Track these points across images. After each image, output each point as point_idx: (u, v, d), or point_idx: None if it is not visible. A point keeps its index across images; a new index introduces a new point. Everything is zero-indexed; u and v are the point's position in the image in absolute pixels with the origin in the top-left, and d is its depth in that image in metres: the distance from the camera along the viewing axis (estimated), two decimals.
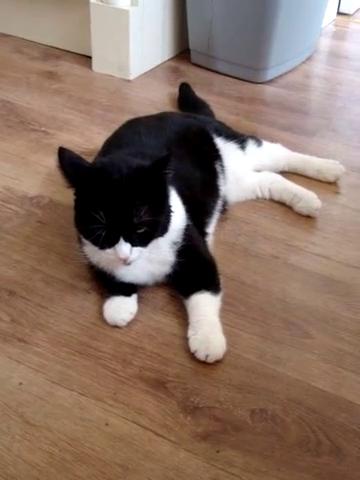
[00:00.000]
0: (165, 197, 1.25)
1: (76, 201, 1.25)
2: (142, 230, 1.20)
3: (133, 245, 1.20)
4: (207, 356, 1.22)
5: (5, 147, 1.91)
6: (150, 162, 1.21)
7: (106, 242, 1.20)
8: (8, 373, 1.20)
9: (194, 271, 1.35)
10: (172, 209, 1.27)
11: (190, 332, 1.26)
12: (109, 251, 1.21)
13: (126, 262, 1.21)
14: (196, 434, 1.10)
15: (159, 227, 1.23)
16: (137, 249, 1.21)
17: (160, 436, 1.10)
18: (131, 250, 1.20)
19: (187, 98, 2.13)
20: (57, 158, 1.19)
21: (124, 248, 1.19)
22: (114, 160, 1.26)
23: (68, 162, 1.19)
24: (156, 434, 1.10)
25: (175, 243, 1.32)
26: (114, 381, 1.19)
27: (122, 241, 1.19)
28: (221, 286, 1.35)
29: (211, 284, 1.34)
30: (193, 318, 1.28)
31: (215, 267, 1.38)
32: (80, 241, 1.34)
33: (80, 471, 1.04)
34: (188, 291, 1.32)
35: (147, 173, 1.20)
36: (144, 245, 1.23)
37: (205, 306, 1.30)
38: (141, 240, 1.21)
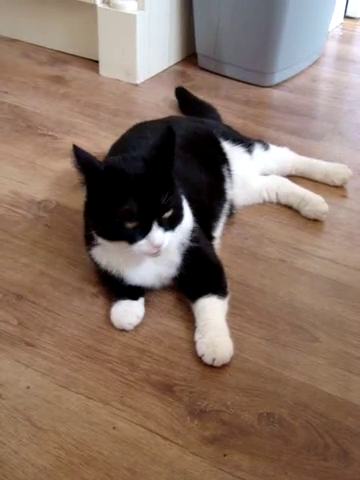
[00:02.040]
0: (173, 176, 1.25)
1: (92, 205, 1.24)
2: (169, 213, 1.20)
3: (165, 230, 1.20)
4: (214, 360, 1.22)
5: (13, 151, 1.92)
6: (158, 140, 1.22)
7: (139, 233, 1.18)
8: (16, 377, 1.20)
9: (201, 274, 1.35)
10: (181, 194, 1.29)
11: (197, 336, 1.27)
12: (142, 242, 1.19)
13: (158, 250, 1.20)
14: (203, 438, 1.10)
15: (180, 210, 1.24)
16: (168, 234, 1.21)
17: (167, 440, 1.10)
18: (164, 236, 1.20)
19: (188, 101, 2.12)
20: (72, 156, 1.17)
21: (160, 234, 1.18)
22: (125, 157, 1.26)
23: (84, 160, 1.18)
24: (163, 438, 1.10)
25: (183, 244, 1.32)
26: (121, 385, 1.19)
27: (155, 227, 1.18)
28: (228, 290, 1.35)
29: (218, 287, 1.34)
30: (200, 322, 1.28)
31: (222, 270, 1.38)
32: (88, 244, 1.34)
33: (87, 474, 1.04)
34: (195, 294, 1.33)
35: (160, 150, 1.20)
36: (172, 229, 1.22)
37: (212, 310, 1.30)
38: (170, 224, 1.21)
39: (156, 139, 1.23)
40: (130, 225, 1.17)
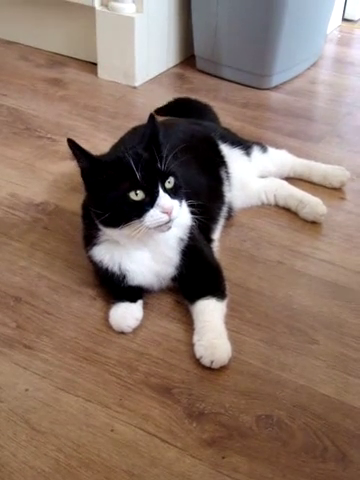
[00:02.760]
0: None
1: (94, 195, 1.27)
2: (171, 184, 1.23)
3: (171, 197, 1.22)
4: (212, 362, 1.22)
5: (11, 154, 1.92)
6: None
7: (147, 203, 1.21)
8: (14, 379, 1.20)
9: (199, 275, 1.35)
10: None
11: (195, 338, 1.27)
12: (152, 212, 1.21)
13: (170, 217, 1.21)
14: (202, 440, 1.10)
15: (181, 183, 1.27)
16: (176, 202, 1.23)
17: (166, 442, 1.10)
18: (173, 202, 1.22)
19: (182, 105, 2.04)
20: (71, 147, 1.22)
21: (168, 198, 1.21)
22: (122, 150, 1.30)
23: (83, 150, 1.23)
24: (162, 440, 1.10)
25: (182, 239, 1.33)
26: (120, 387, 1.19)
27: (162, 192, 1.21)
28: (227, 292, 1.36)
29: (217, 290, 1.34)
30: (198, 324, 1.29)
31: (221, 272, 1.38)
32: (87, 245, 1.35)
33: (86, 477, 1.04)
34: (194, 297, 1.33)
35: (148, 132, 1.27)
36: (178, 197, 1.25)
37: (210, 312, 1.30)
38: (174, 193, 1.24)
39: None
40: (137, 198, 1.20)
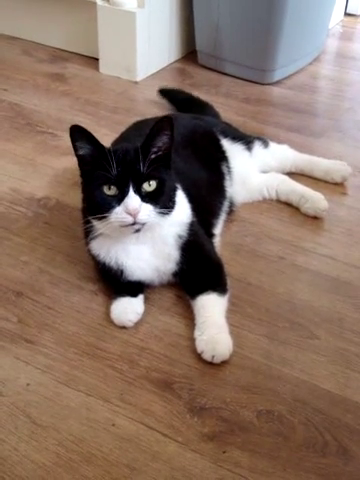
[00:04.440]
0: (170, 166, 1.27)
1: (84, 179, 1.27)
2: (151, 187, 1.21)
3: (144, 201, 1.21)
4: (213, 357, 1.22)
5: (12, 149, 1.92)
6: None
7: (116, 200, 1.20)
8: (15, 374, 1.20)
9: (200, 271, 1.35)
10: (177, 189, 1.30)
11: (196, 333, 1.27)
12: (118, 209, 1.20)
13: (135, 220, 1.20)
14: (203, 435, 1.10)
15: (166, 191, 1.24)
16: (147, 207, 1.21)
17: (167, 437, 1.10)
18: (141, 205, 1.20)
19: (180, 100, 2.07)
20: (71, 132, 1.21)
21: (134, 200, 1.19)
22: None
23: (84, 135, 1.22)
24: (163, 435, 1.10)
25: (180, 236, 1.32)
26: (121, 382, 1.20)
27: (131, 193, 1.19)
28: (228, 287, 1.36)
29: (218, 285, 1.34)
30: (199, 319, 1.29)
31: (222, 267, 1.38)
32: (87, 237, 1.34)
33: (87, 471, 1.04)
34: (195, 291, 1.33)
35: (151, 132, 1.22)
36: (154, 203, 1.22)
37: (211, 307, 1.30)
38: (151, 198, 1.22)
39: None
40: (109, 192, 1.20)
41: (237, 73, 2.43)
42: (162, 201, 1.24)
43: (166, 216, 1.26)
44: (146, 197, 1.21)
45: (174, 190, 1.29)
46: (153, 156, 1.22)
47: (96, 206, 1.23)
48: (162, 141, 1.23)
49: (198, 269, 1.34)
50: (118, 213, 1.21)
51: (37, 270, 1.46)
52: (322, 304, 1.39)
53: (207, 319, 1.28)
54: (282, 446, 1.09)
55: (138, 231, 1.24)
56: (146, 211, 1.21)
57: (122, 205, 1.20)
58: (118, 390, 1.18)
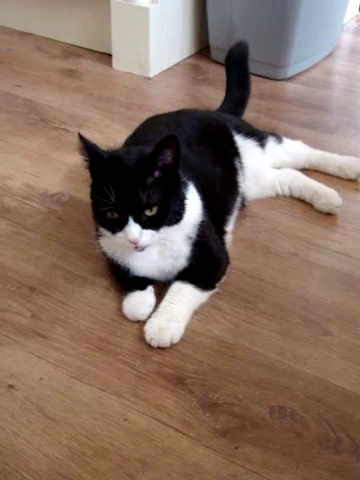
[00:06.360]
0: (177, 182, 1.25)
1: (92, 188, 1.26)
2: (152, 212, 1.20)
3: (143, 227, 1.19)
4: (151, 339, 1.24)
5: (26, 145, 1.93)
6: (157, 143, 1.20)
7: (116, 224, 1.20)
8: (29, 368, 1.21)
9: (197, 266, 1.33)
10: (187, 197, 1.27)
11: (153, 314, 1.29)
12: (120, 235, 1.21)
13: (137, 246, 1.20)
14: (215, 430, 1.10)
15: (170, 211, 1.23)
16: (148, 232, 1.20)
17: (179, 432, 1.10)
18: (141, 232, 1.19)
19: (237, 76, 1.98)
20: (79, 142, 1.21)
21: (133, 229, 1.18)
22: (130, 149, 1.29)
23: (89, 145, 1.22)
24: (175, 430, 1.10)
25: (189, 237, 1.31)
26: (133, 377, 1.20)
27: (131, 222, 1.18)
28: (217, 285, 1.36)
29: (200, 279, 1.33)
30: (163, 303, 1.30)
31: (219, 266, 1.38)
32: (97, 233, 1.35)
33: (99, 465, 1.04)
34: (176, 278, 1.33)
35: (152, 154, 1.19)
36: (155, 228, 1.22)
37: (180, 296, 1.30)
38: (152, 223, 1.21)
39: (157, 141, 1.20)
40: (110, 216, 1.20)
41: (251, 69, 2.40)
42: (166, 222, 1.23)
43: (173, 225, 1.25)
44: (148, 222, 1.20)
45: (182, 201, 1.26)
46: (156, 176, 1.19)
47: (101, 221, 1.25)
48: (165, 161, 1.20)
49: (196, 265, 1.33)
50: (120, 237, 1.21)
51: (50, 265, 1.46)
52: (335, 301, 1.38)
53: (168, 306, 1.29)
54: (295, 442, 1.09)
55: (142, 250, 1.24)
56: (148, 236, 1.21)
57: (123, 231, 1.20)
58: (131, 385, 1.18)
